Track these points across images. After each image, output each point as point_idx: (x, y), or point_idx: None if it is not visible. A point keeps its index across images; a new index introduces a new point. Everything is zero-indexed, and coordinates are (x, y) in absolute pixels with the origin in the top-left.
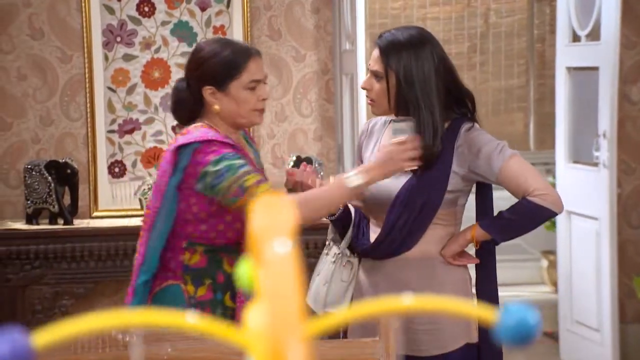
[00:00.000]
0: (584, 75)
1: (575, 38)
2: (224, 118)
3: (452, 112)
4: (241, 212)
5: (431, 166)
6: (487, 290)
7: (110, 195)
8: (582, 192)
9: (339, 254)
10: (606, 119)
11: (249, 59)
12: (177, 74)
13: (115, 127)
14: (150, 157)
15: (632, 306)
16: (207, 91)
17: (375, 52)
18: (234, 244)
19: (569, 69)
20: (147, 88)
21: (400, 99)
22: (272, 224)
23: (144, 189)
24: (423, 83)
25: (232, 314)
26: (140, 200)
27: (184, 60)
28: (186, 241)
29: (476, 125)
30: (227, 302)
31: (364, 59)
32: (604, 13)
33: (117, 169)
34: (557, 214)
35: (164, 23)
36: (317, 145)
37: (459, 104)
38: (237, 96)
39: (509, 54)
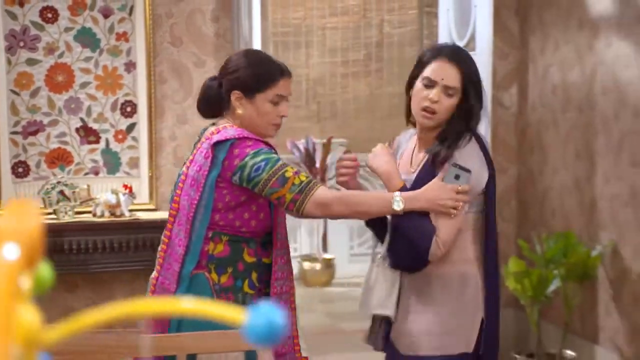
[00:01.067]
0: None
1: None
2: (243, 123)
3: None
4: (279, 203)
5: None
6: (492, 303)
7: (13, 194)
8: None
9: (380, 256)
10: (482, 123)
11: (280, 78)
12: (81, 78)
13: (19, 128)
14: (55, 158)
15: (502, 293)
16: (235, 95)
17: (450, 68)
18: (255, 235)
19: None
20: (51, 91)
21: (464, 113)
22: (12, 227)
23: (47, 189)
24: (481, 98)
25: (250, 300)
26: (43, 199)
27: (87, 65)
28: (212, 231)
29: (472, 141)
30: (246, 288)
31: None
32: (478, 27)
33: (20, 169)
34: (422, 258)
35: (67, 29)
36: None
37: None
38: (260, 107)
39: (402, 62)
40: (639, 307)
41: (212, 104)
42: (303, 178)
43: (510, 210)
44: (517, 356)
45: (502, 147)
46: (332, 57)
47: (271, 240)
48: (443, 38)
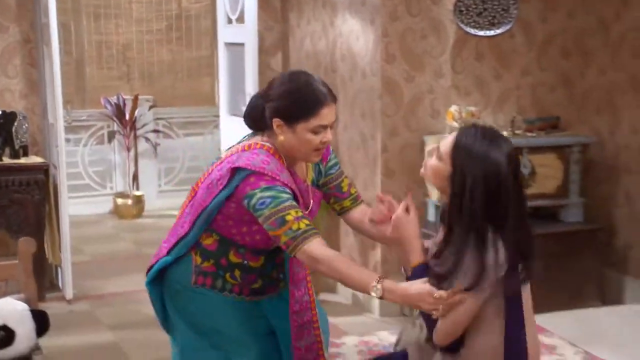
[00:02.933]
0: (237, 49)
1: (230, 21)
2: (284, 147)
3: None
4: (275, 241)
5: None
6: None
7: None
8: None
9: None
10: (250, 82)
11: (322, 107)
12: None
13: None
14: None
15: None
16: (276, 122)
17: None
18: (246, 245)
19: (227, 44)
20: None
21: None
22: None
23: None
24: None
25: (231, 288)
26: None
27: None
28: (209, 226)
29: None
30: (227, 278)
31: (56, 31)
32: (247, 3)
33: None
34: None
35: None
36: (22, 102)
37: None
38: (301, 136)
39: (198, 31)
40: None
41: (256, 121)
42: (302, 226)
43: None
44: None
45: None
46: (139, 26)
47: (264, 249)
48: (220, 11)
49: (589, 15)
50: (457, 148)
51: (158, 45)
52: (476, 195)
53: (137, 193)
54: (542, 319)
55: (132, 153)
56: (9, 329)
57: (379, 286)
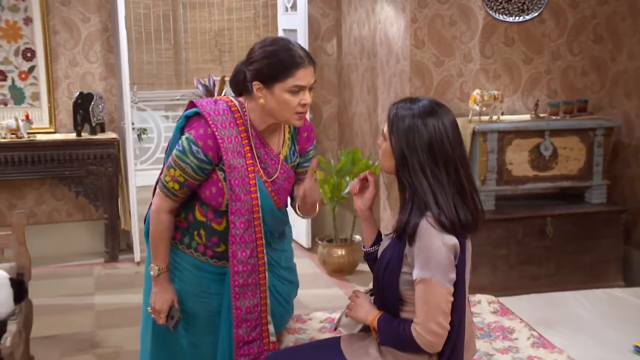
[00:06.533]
0: (292, 35)
1: (287, 9)
2: (265, 111)
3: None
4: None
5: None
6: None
7: None
8: None
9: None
10: None
11: (298, 67)
12: None
13: None
14: None
15: None
16: (255, 86)
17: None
18: (207, 202)
19: (284, 30)
20: None
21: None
22: None
23: None
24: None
25: (196, 247)
26: None
27: None
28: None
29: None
30: (195, 237)
31: (124, 22)
32: None
33: None
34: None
35: None
36: (102, 84)
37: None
38: (279, 97)
39: None
40: None
41: (237, 85)
42: (171, 185)
43: (334, 131)
44: (319, 242)
45: (326, 84)
46: (229, 15)
47: (217, 208)
48: (279, 2)
49: (619, 0)
50: (392, 123)
51: (247, 31)
52: (416, 162)
53: None
54: (510, 302)
55: None
56: None
57: (155, 267)
